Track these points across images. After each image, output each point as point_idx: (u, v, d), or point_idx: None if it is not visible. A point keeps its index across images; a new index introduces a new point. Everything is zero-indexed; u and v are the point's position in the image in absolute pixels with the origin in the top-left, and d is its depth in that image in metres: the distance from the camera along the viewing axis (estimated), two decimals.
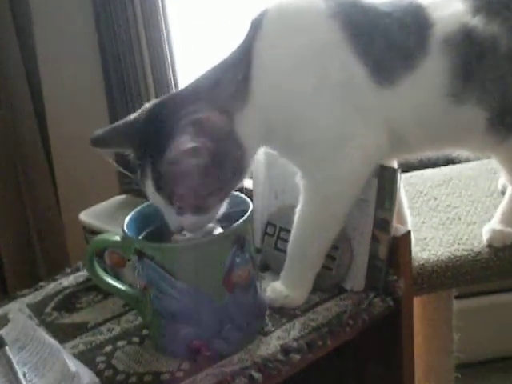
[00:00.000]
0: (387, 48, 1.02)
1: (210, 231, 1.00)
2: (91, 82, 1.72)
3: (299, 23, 1.03)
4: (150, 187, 0.97)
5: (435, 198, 1.43)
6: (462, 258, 1.21)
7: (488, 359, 2.06)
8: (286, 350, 0.96)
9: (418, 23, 1.03)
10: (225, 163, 0.96)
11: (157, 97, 1.63)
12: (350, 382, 1.20)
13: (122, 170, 1.06)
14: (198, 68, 1.64)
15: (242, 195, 1.02)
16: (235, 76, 0.99)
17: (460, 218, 1.33)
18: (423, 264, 1.21)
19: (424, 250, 1.24)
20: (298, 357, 0.95)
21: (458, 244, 1.24)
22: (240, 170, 1.00)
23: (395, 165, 1.20)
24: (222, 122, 0.96)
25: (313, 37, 1.02)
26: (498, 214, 1.25)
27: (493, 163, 1.50)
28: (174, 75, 1.67)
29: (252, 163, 1.03)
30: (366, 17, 1.02)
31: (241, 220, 0.94)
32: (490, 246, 1.21)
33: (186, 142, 0.90)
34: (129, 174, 1.04)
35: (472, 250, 1.22)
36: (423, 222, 1.34)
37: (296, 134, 1.02)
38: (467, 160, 1.49)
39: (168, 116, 0.95)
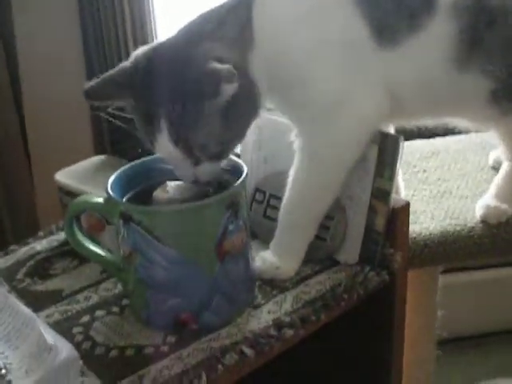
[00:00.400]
0: (393, 7, 0.96)
1: (195, 192, 0.93)
2: (68, 36, 1.62)
3: None
4: (163, 141, 0.88)
5: (424, 171, 1.38)
6: (455, 233, 1.16)
7: (468, 335, 2.05)
8: (278, 324, 0.90)
9: None
10: (244, 103, 0.91)
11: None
12: (336, 354, 1.14)
13: (121, 124, 0.98)
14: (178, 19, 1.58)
15: (235, 158, 0.95)
16: (238, 18, 0.93)
17: (451, 192, 1.28)
18: (415, 238, 1.16)
19: (415, 223, 1.19)
20: (290, 332, 0.89)
21: (451, 218, 1.20)
22: (255, 113, 0.94)
23: (393, 131, 1.15)
24: (239, 59, 0.90)
25: None
26: (493, 189, 1.20)
27: (482, 137, 1.47)
28: (155, 28, 1.59)
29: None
30: None
31: (236, 183, 0.87)
32: (483, 221, 1.17)
33: (220, 66, 0.85)
34: (128, 129, 0.98)
35: (465, 225, 1.17)
36: (413, 195, 1.28)
37: (294, 88, 0.96)
38: (454, 132, 1.46)
39: (177, 58, 0.88)
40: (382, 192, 0.99)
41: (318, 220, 1.01)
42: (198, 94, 0.86)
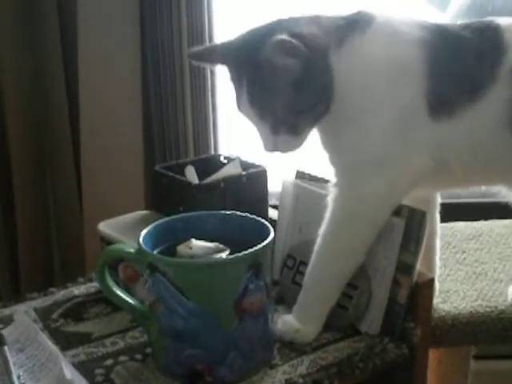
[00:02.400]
0: (458, 82, 0.99)
1: (217, 251, 0.96)
2: (128, 91, 1.71)
3: (396, 41, 0.99)
4: (245, 103, 0.99)
5: (463, 252, 1.39)
6: (485, 314, 1.17)
7: None
8: None
9: (492, 50, 0.98)
10: (315, 83, 0.97)
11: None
12: None
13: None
14: None
15: (265, 221, 0.99)
16: (333, 27, 1.00)
17: (486, 274, 1.29)
18: (443, 316, 1.17)
19: (445, 302, 1.20)
20: None
21: (482, 300, 1.20)
22: (327, 99, 0.98)
23: (437, 198, 1.18)
24: (322, 41, 0.97)
25: (401, 60, 0.99)
26: None
27: None
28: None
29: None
30: (450, 47, 0.99)
31: (259, 245, 0.91)
32: None
33: (282, 38, 0.92)
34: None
35: (496, 307, 1.18)
36: (448, 275, 1.30)
37: (349, 126, 1.00)
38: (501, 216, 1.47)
39: (265, 35, 0.96)
40: (406, 266, 1.01)
41: (341, 284, 1.03)
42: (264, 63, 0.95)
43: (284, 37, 0.92)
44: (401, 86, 0.98)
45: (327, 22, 1.00)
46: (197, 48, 1.07)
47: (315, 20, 1.00)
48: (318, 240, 1.03)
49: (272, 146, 1.01)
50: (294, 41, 0.92)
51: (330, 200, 1.02)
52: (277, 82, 0.96)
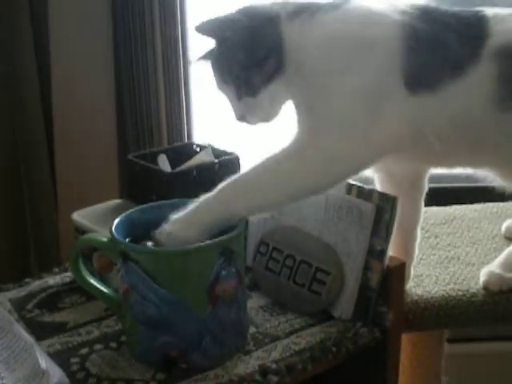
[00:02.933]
0: (440, 62, 1.00)
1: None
2: (101, 84, 1.71)
3: (364, 20, 1.02)
4: (215, 77, 1.09)
5: (436, 236, 1.41)
6: (457, 298, 1.18)
7: None
8: (263, 370, 0.93)
9: (476, 34, 1.01)
10: (260, 44, 1.03)
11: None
12: None
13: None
14: None
15: None
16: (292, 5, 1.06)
17: (459, 258, 1.31)
18: (416, 300, 1.18)
19: (418, 286, 1.21)
20: (275, 379, 0.92)
21: (454, 284, 1.22)
22: (275, 58, 1.03)
23: (424, 185, 1.19)
24: (267, 13, 1.04)
25: (368, 36, 1.00)
26: (500, 258, 1.22)
27: (498, 206, 1.50)
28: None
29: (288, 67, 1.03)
30: (432, 30, 1.00)
31: (231, 232, 0.92)
32: (486, 288, 1.18)
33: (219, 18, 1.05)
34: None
35: (467, 291, 1.19)
36: (421, 259, 1.31)
37: (312, 92, 1.02)
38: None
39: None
40: (377, 250, 1.02)
41: (239, 212, 0.97)
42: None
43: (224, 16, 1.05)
44: (365, 60, 0.99)
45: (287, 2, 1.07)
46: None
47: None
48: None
49: (239, 113, 1.07)
50: (234, 18, 1.04)
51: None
52: (225, 49, 1.05)
